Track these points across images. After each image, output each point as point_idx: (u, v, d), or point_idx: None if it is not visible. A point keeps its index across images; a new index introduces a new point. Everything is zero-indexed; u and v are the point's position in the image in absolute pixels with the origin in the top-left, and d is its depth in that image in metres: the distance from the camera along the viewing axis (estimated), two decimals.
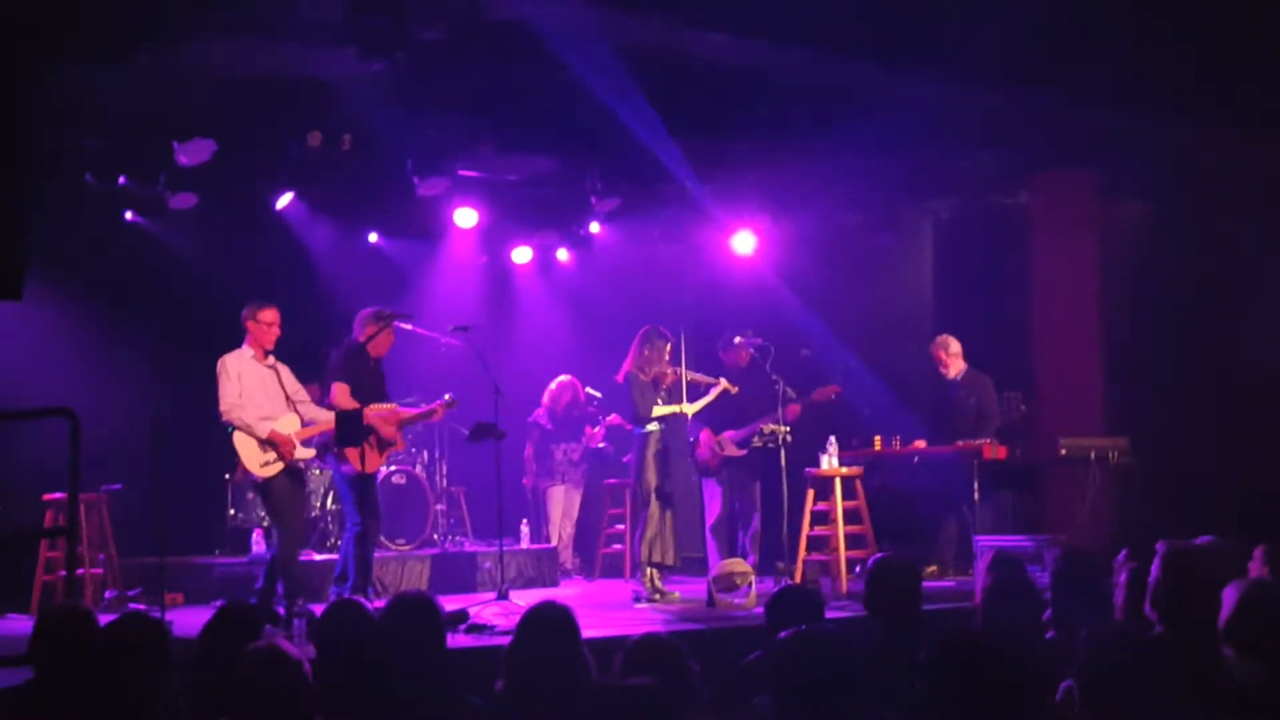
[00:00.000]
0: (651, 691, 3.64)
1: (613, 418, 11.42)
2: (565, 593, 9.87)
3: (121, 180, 9.62)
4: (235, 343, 7.83)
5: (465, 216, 11.32)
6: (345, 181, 10.40)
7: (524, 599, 7.41)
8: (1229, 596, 4.00)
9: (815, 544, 9.31)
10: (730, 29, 7.98)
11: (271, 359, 7.86)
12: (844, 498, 9.13)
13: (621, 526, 11.53)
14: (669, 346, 9.20)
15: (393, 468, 10.49)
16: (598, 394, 11.62)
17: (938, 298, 11.69)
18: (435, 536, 11.00)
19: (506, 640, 4.28)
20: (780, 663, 3.61)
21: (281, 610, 7.49)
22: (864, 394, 10.66)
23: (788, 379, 9.47)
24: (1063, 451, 9.05)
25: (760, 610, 5.58)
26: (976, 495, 9.25)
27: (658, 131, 9.17)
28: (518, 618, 4.29)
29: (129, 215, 10.37)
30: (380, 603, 6.42)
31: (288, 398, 7.83)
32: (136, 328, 10.48)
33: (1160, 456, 9.23)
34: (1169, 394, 9.63)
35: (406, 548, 10.40)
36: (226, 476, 10.32)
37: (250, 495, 10.27)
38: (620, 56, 8.12)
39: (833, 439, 9.33)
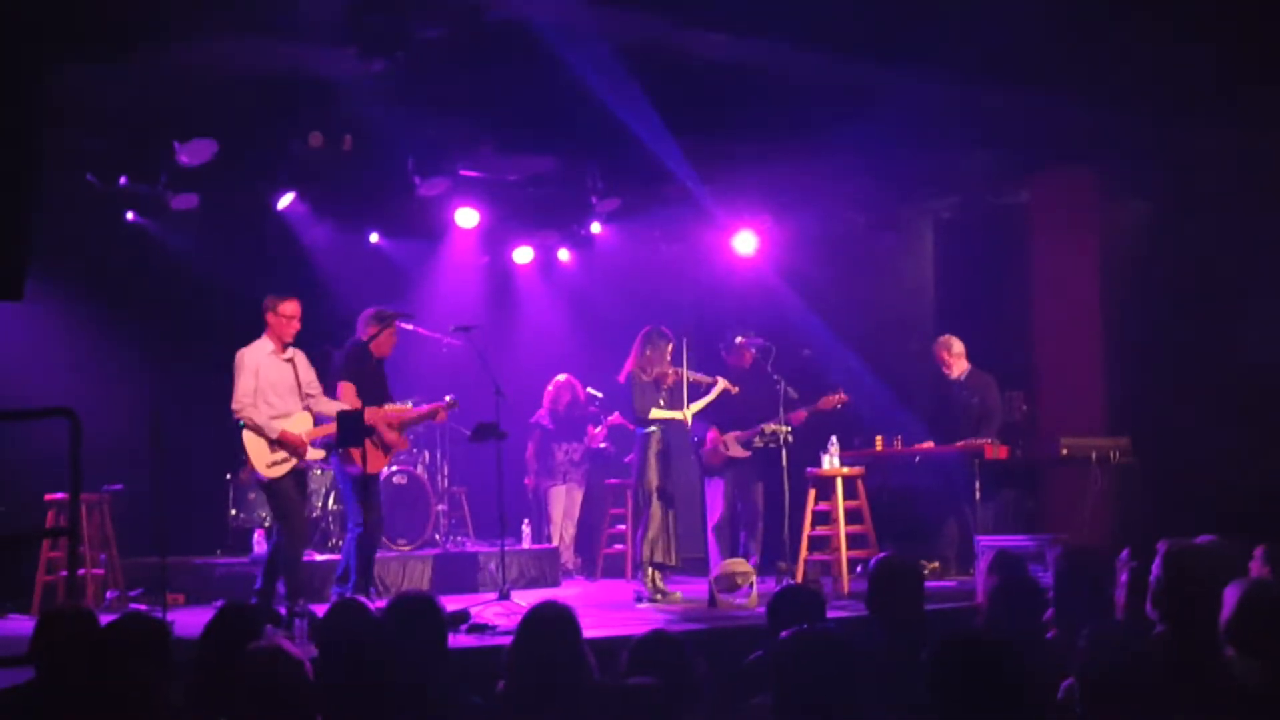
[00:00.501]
0: (652, 691, 3.64)
1: (615, 417, 11.42)
2: (567, 593, 9.86)
3: (122, 180, 9.63)
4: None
5: (466, 216, 11.33)
6: (346, 181, 10.41)
7: (525, 599, 7.40)
8: (1230, 596, 4.00)
9: (817, 544, 9.31)
10: (731, 28, 7.98)
11: (290, 351, 7.87)
12: (845, 497, 9.13)
13: (623, 526, 11.54)
14: (670, 346, 9.21)
15: (394, 468, 10.49)
16: (599, 394, 11.63)
17: (939, 297, 11.69)
18: (437, 536, 11.00)
19: (508, 640, 4.27)
20: (782, 662, 3.61)
21: (283, 610, 7.49)
22: (865, 394, 10.66)
23: (789, 379, 9.48)
24: (1064, 451, 9.05)
25: (762, 610, 5.58)
26: (978, 495, 9.25)
27: (659, 131, 9.18)
28: (519, 618, 4.29)
29: (130, 215, 10.37)
30: (382, 603, 6.42)
31: (301, 391, 7.83)
32: (137, 328, 10.49)
33: (1161, 456, 9.23)
34: (1170, 393, 9.61)
35: (408, 548, 10.41)
36: (228, 476, 10.33)
37: (251, 495, 10.29)
38: (621, 56, 8.12)
39: (834, 439, 9.32)
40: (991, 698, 3.24)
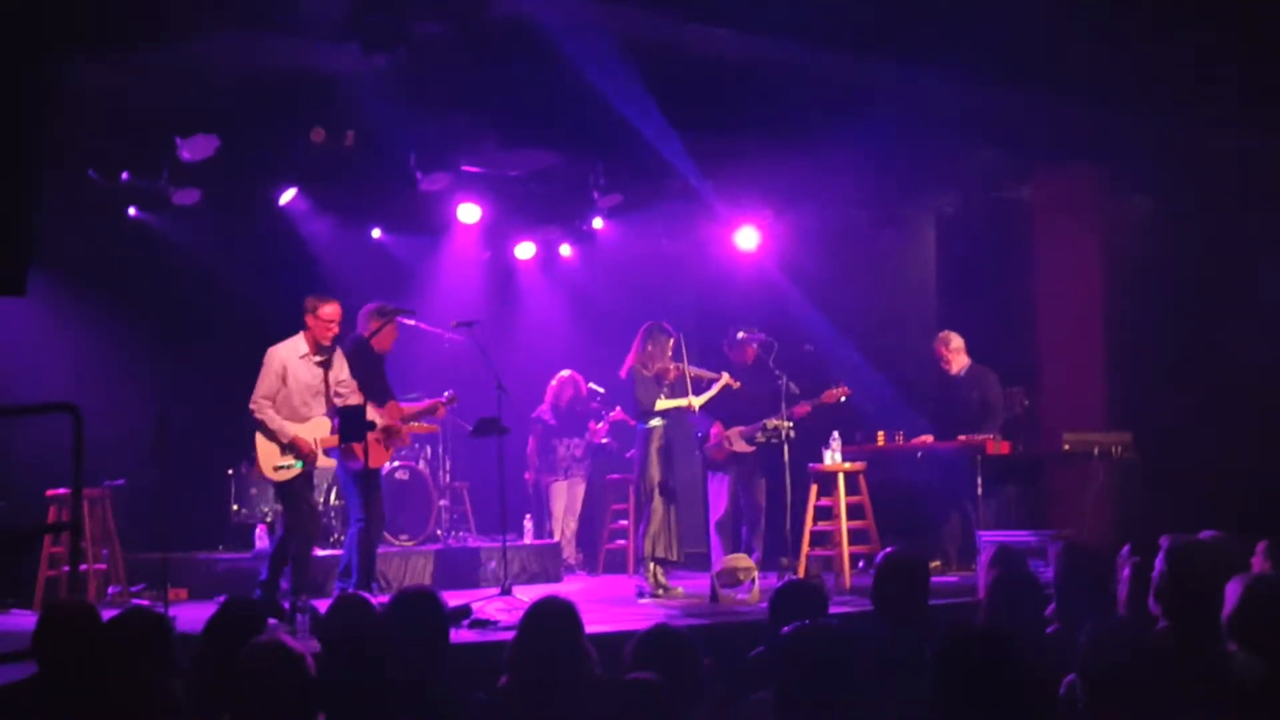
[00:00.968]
0: (654, 686, 3.64)
1: (616, 413, 11.42)
2: (568, 588, 9.86)
3: (124, 176, 9.63)
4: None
5: (468, 212, 11.32)
6: (348, 177, 10.40)
7: (527, 594, 7.40)
8: (1232, 592, 3.99)
9: (818, 539, 9.30)
10: (734, 24, 7.98)
11: (323, 353, 7.80)
12: (847, 493, 9.12)
13: (625, 522, 11.54)
14: (672, 342, 9.20)
15: (396, 463, 10.48)
16: (600, 389, 11.63)
17: (941, 293, 11.68)
18: (438, 532, 11.00)
19: (510, 635, 4.28)
20: (784, 658, 3.61)
21: (286, 605, 7.50)
22: (867, 389, 10.65)
23: (791, 374, 9.48)
24: (1066, 447, 9.05)
25: (764, 605, 5.58)
26: (980, 490, 9.25)
27: (661, 127, 9.17)
28: (521, 613, 4.29)
29: (132, 211, 10.36)
30: (384, 598, 6.42)
31: (330, 391, 7.81)
32: (139, 323, 10.47)
33: (1163, 452, 9.23)
34: (1172, 389, 9.62)
35: (410, 543, 10.41)
36: (230, 472, 10.33)
37: (253, 491, 10.29)
38: (623, 51, 8.12)
39: (836, 434, 9.32)
40: (993, 693, 3.24)
